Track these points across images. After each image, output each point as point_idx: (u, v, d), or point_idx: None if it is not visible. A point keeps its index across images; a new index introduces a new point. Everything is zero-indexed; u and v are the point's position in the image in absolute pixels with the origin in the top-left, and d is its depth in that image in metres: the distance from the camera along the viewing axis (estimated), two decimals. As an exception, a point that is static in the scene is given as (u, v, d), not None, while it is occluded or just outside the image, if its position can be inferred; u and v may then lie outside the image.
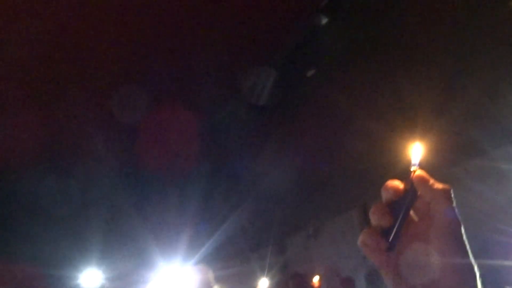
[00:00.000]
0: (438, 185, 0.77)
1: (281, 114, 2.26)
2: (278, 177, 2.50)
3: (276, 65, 2.12)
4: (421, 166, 0.82)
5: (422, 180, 0.78)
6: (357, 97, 2.05)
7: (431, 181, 0.78)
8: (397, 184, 0.80)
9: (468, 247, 0.74)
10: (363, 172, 2.21)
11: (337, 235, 3.52)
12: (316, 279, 3.81)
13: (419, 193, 0.78)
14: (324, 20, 1.96)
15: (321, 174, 2.53)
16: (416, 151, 0.84)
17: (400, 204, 0.78)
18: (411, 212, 0.80)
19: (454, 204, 0.76)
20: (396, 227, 0.77)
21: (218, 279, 2.13)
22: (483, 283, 0.73)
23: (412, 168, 0.81)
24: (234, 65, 2.14)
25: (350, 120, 2.08)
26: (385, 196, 0.80)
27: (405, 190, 0.79)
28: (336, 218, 3.44)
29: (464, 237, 0.76)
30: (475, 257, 0.74)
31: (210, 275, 2.03)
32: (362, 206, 3.14)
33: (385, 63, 1.94)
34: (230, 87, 2.21)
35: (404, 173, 0.81)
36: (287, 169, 2.42)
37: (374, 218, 0.78)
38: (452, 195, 0.77)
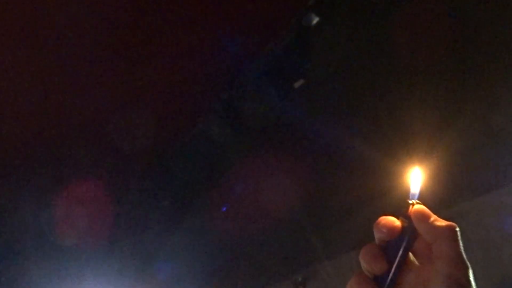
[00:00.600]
0: (441, 223, 0.64)
1: (264, 138, 2.07)
2: (257, 212, 2.24)
3: (255, 75, 1.94)
4: (421, 198, 0.68)
5: (421, 216, 0.65)
6: (349, 115, 1.88)
7: (433, 217, 0.65)
8: (392, 220, 0.66)
9: None
10: (363, 207, 1.95)
11: (332, 283, 2.77)
12: None
13: (418, 231, 0.65)
14: (314, 20, 1.80)
15: (312, 208, 2.23)
16: (415, 179, 0.70)
17: (396, 246, 0.65)
18: (410, 255, 0.66)
19: (461, 245, 0.62)
20: (391, 273, 0.64)
21: None
22: None
23: (410, 201, 0.67)
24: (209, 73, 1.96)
25: (342, 144, 1.90)
26: (377, 235, 0.66)
27: (402, 229, 0.65)
28: (330, 261, 2.69)
29: (474, 284, 0.62)
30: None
31: None
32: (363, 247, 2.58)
33: (381, 76, 1.80)
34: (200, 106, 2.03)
35: (400, 208, 0.68)
36: (269, 203, 2.19)
37: (365, 263, 0.65)
38: (459, 234, 0.63)
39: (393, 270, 0.64)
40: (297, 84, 1.88)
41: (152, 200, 1.87)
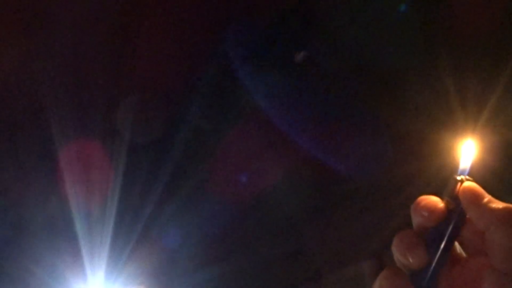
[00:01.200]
0: (498, 204, 0.50)
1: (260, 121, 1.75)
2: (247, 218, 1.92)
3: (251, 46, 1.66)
4: (473, 174, 0.55)
5: (473, 196, 0.51)
6: (373, 81, 1.62)
7: (487, 197, 0.51)
8: (435, 201, 0.53)
9: None
10: (378, 203, 1.65)
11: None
12: None
13: (468, 216, 0.52)
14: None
15: (315, 204, 1.87)
16: (465, 152, 0.57)
17: (439, 233, 0.52)
18: (456, 246, 0.53)
19: None
20: (432, 267, 0.51)
21: None
22: None
23: (459, 178, 0.54)
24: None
25: (361, 116, 1.64)
26: (416, 220, 0.54)
27: (447, 212, 0.52)
28: (338, 273, 2.03)
29: None
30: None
31: None
32: (377, 256, 1.88)
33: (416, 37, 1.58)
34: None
35: (446, 186, 0.55)
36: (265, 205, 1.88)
37: (399, 253, 0.52)
38: None
39: (434, 263, 0.51)
40: (298, 57, 1.62)
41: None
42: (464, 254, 0.53)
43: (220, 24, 1.53)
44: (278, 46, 1.53)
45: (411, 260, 0.51)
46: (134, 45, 1.56)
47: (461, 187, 0.52)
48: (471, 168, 0.56)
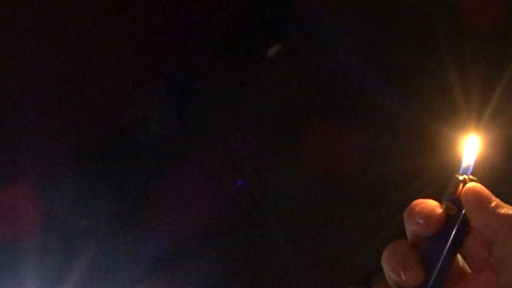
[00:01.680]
0: (507, 210, 0.42)
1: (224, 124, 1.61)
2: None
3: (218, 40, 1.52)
4: (478, 174, 0.46)
5: (477, 199, 0.43)
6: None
7: (494, 201, 0.43)
8: (433, 206, 0.45)
9: None
10: (388, 192, 1.49)
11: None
12: None
13: (472, 223, 0.43)
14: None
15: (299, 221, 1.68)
16: (468, 148, 0.48)
17: (438, 244, 0.43)
18: (458, 259, 0.45)
19: None
20: (430, 286, 0.43)
21: None
22: None
23: (461, 177, 0.45)
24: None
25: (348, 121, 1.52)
26: (410, 228, 0.45)
27: (447, 219, 0.44)
28: None
29: None
30: None
31: None
32: (365, 282, 1.60)
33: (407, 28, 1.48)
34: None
35: (446, 187, 0.46)
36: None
37: (391, 270, 0.44)
38: None
39: (432, 281, 0.43)
40: (271, 51, 1.48)
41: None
42: (467, 270, 0.45)
43: (192, 19, 1.45)
44: (252, 40, 1.44)
45: (404, 277, 0.43)
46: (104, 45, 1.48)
47: (464, 189, 0.44)
48: (475, 166, 0.47)
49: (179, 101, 1.55)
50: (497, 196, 0.44)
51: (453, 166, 0.49)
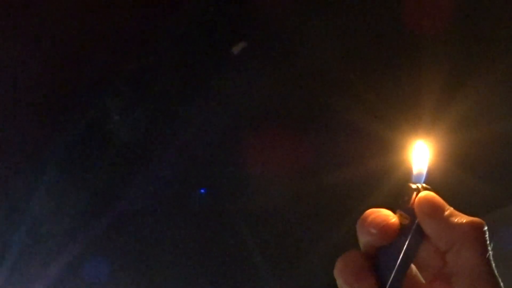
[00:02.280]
0: (461, 218, 0.42)
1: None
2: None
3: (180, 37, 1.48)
4: (430, 182, 0.45)
5: (431, 207, 0.42)
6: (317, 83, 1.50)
7: (448, 210, 0.42)
8: (385, 215, 0.43)
9: None
10: (344, 200, 1.49)
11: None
12: None
13: (426, 233, 0.42)
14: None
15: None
16: (419, 155, 0.47)
17: (392, 255, 0.42)
18: (412, 269, 0.44)
19: (490, 253, 0.41)
20: None
21: None
22: None
23: (414, 186, 0.44)
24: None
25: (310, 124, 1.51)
26: (363, 239, 0.44)
27: (401, 228, 0.43)
28: None
29: None
30: None
31: None
32: None
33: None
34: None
35: (399, 195, 0.45)
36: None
37: (343, 282, 0.42)
38: (487, 237, 0.41)
39: None
40: (236, 49, 1.45)
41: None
42: (422, 280, 0.44)
43: (155, 16, 1.40)
44: (216, 37, 1.40)
45: None
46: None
47: (417, 198, 0.43)
48: (428, 174, 0.47)
49: (141, 102, 1.50)
50: (450, 204, 0.43)
51: (404, 173, 0.48)
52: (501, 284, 0.41)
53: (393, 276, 0.42)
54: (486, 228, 0.41)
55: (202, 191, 1.65)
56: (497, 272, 0.41)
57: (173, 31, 1.38)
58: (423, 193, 0.43)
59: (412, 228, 0.42)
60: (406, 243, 0.42)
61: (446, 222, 0.41)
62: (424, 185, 0.44)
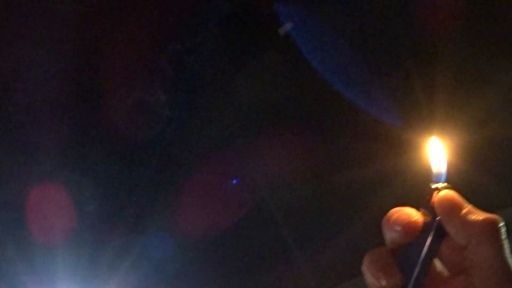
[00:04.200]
0: (478, 216, 0.44)
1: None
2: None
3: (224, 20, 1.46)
4: (451, 180, 0.48)
5: (450, 206, 0.45)
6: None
7: (466, 208, 0.45)
8: (409, 214, 0.46)
9: None
10: (364, 197, 1.50)
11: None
12: None
13: (447, 229, 0.45)
14: None
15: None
16: (436, 156, 0.50)
17: (416, 250, 0.45)
18: (435, 263, 0.46)
19: (506, 248, 0.43)
20: None
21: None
22: None
23: (434, 186, 0.47)
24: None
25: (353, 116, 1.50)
26: (389, 236, 0.47)
27: (424, 225, 0.46)
28: None
29: None
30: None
31: None
32: None
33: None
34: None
35: (421, 195, 0.48)
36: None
37: (371, 276, 0.45)
38: (503, 232, 0.43)
39: (411, 285, 0.44)
40: (283, 30, 1.44)
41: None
42: (445, 273, 0.46)
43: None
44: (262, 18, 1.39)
45: (384, 283, 0.44)
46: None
47: (437, 197, 0.46)
48: (447, 172, 0.49)
49: (185, 82, 1.49)
50: (470, 201, 0.46)
51: (423, 172, 0.50)
52: None
53: (417, 271, 0.45)
54: (502, 224, 0.44)
55: (235, 181, 1.65)
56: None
57: (218, 12, 1.38)
58: (443, 192, 0.46)
59: (434, 225, 0.45)
60: (429, 240, 0.45)
61: (464, 219, 0.44)
62: (444, 184, 0.47)
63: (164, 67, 1.43)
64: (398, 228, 0.45)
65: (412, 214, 0.46)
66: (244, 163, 1.59)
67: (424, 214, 0.46)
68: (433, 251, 0.45)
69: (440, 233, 0.45)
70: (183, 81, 1.47)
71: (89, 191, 1.54)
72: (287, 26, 1.38)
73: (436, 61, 1.41)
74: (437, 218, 0.45)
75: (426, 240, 0.45)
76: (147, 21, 1.39)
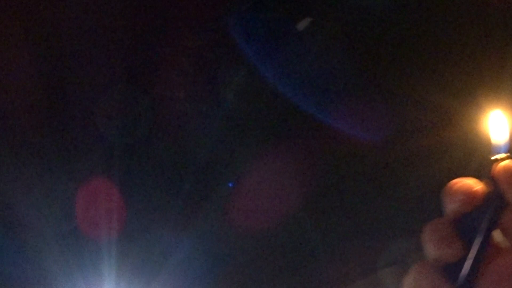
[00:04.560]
0: None
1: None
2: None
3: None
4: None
5: (510, 176, 0.45)
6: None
7: None
8: (470, 184, 0.47)
9: None
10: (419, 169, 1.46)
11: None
12: None
13: (508, 199, 0.45)
14: None
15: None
16: (498, 126, 0.49)
17: (476, 221, 0.45)
18: (497, 234, 0.47)
19: None
20: (470, 260, 0.45)
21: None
22: None
23: (495, 157, 0.47)
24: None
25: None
26: (449, 206, 0.47)
27: (485, 196, 0.46)
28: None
29: None
30: None
31: None
32: (400, 264, 1.53)
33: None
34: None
35: (481, 166, 0.48)
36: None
37: (432, 246, 0.46)
38: None
39: (473, 254, 0.45)
40: (301, 25, 1.40)
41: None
42: (506, 242, 0.47)
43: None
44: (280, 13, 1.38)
45: (445, 253, 0.45)
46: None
47: (497, 167, 0.46)
48: (509, 143, 0.49)
49: (204, 78, 1.51)
50: None
51: (483, 143, 0.50)
52: None
53: (478, 242, 0.45)
54: None
55: (231, 184, 1.63)
56: None
57: (236, 8, 1.38)
58: (504, 162, 0.46)
59: (495, 196, 0.45)
60: (490, 211, 0.45)
61: None
62: (505, 154, 0.47)
63: (183, 62, 1.44)
64: (460, 197, 0.46)
65: (474, 184, 0.46)
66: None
67: (485, 184, 0.46)
68: (494, 222, 0.45)
69: (501, 204, 0.45)
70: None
71: (139, 187, 1.57)
72: (306, 21, 1.36)
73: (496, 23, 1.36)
74: (498, 188, 0.45)
75: (487, 211, 0.45)
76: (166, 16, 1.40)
